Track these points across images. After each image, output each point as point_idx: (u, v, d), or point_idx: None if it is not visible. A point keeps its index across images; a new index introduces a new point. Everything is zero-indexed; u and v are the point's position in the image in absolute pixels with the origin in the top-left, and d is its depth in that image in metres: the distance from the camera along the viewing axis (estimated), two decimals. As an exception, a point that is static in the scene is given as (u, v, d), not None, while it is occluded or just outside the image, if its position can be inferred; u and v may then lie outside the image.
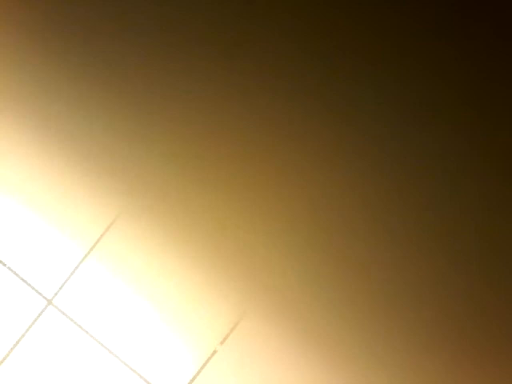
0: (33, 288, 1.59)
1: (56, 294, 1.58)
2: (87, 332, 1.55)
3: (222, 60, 1.60)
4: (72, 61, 1.67)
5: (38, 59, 1.70)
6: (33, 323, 1.57)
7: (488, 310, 1.40)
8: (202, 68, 1.61)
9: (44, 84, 1.69)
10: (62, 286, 1.58)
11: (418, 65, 1.50)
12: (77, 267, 1.58)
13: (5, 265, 1.61)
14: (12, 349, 1.56)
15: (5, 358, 1.56)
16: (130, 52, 1.65)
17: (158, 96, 1.62)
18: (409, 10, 1.51)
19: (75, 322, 1.56)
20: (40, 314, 1.57)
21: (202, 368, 1.48)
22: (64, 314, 1.57)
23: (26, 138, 1.67)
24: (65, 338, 1.55)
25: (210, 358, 1.48)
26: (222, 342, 1.49)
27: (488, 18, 1.47)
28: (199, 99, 1.60)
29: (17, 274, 1.61)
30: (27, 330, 1.57)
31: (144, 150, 1.61)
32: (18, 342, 1.57)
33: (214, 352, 1.49)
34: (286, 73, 1.56)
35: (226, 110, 1.58)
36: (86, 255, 1.58)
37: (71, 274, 1.58)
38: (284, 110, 1.55)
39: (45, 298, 1.58)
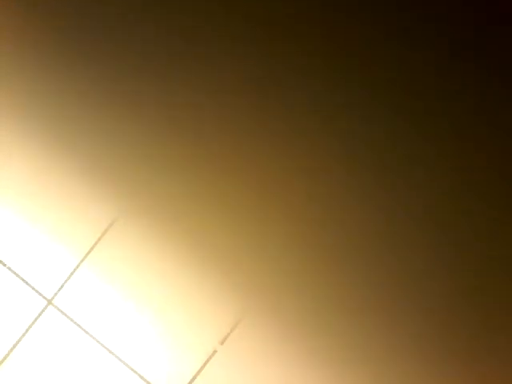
0: (33, 288, 1.59)
1: (56, 294, 1.58)
2: (87, 332, 1.55)
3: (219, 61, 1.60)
4: (75, 69, 1.68)
5: (39, 68, 1.70)
6: (33, 323, 1.57)
7: (498, 316, 1.40)
8: (198, 78, 1.61)
9: (43, 91, 1.69)
10: (61, 286, 1.58)
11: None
12: (77, 267, 1.58)
13: (5, 265, 1.61)
14: (12, 349, 1.56)
15: (5, 358, 1.56)
16: (132, 58, 1.65)
17: (156, 104, 1.62)
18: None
19: (75, 322, 1.56)
20: (40, 314, 1.57)
21: (201, 368, 1.49)
22: (64, 313, 1.57)
23: (26, 142, 1.67)
24: (65, 338, 1.55)
25: (210, 358, 1.49)
26: (221, 342, 1.49)
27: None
28: (198, 108, 1.60)
29: (17, 274, 1.61)
30: (27, 330, 1.57)
31: (140, 158, 1.61)
32: (18, 342, 1.57)
33: (214, 352, 1.49)
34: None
35: (225, 120, 1.59)
36: (86, 255, 1.58)
37: (71, 274, 1.59)
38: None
39: (45, 298, 1.58)
